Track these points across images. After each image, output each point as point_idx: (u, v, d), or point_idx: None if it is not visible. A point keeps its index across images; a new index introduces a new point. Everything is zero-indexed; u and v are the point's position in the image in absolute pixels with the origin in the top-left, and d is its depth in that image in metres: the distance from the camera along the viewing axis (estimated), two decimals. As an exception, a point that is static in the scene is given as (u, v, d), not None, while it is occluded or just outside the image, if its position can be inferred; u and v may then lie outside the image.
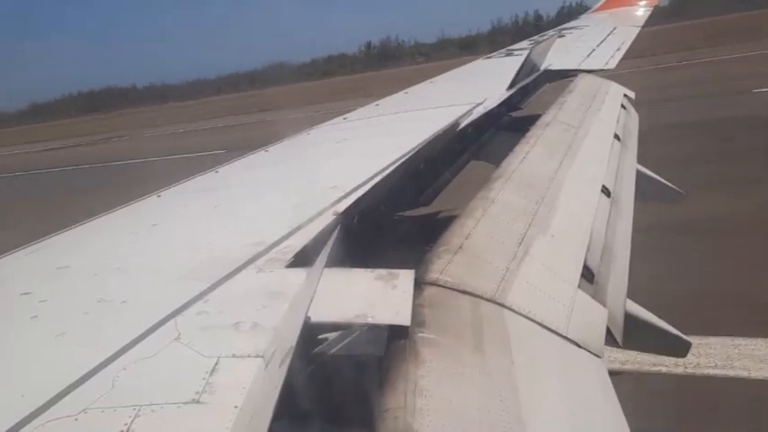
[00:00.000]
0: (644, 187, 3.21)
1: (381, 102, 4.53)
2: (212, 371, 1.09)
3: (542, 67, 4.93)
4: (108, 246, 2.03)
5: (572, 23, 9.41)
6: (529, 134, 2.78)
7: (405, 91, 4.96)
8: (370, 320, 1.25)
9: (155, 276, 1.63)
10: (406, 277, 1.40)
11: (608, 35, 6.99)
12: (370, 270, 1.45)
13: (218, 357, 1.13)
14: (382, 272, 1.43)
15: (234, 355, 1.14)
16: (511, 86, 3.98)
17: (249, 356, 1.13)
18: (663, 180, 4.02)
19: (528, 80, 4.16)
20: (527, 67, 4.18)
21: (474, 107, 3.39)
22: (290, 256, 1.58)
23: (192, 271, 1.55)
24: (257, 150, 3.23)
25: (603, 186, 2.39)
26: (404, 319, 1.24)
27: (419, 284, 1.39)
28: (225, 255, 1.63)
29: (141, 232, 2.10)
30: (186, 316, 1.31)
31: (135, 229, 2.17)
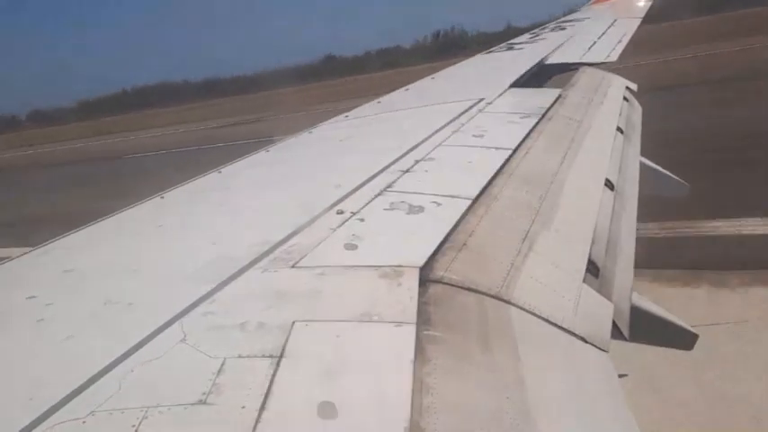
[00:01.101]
0: (649, 180, 3.20)
1: (383, 99, 4.52)
2: (219, 372, 1.09)
3: (543, 61, 4.92)
4: (113, 248, 2.04)
5: (572, 16, 9.37)
6: (531, 129, 2.77)
7: (406, 88, 4.95)
8: (375, 319, 1.25)
9: (160, 278, 1.63)
10: (411, 275, 1.40)
11: (608, 27, 6.96)
12: (374, 267, 1.45)
13: (225, 358, 1.13)
14: (387, 269, 1.43)
15: (240, 356, 1.14)
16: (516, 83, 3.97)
17: (255, 357, 1.13)
18: (668, 173, 4.00)
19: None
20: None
21: (476, 102, 3.39)
22: (294, 255, 1.58)
23: (198, 272, 1.56)
24: (259, 150, 3.23)
25: (607, 180, 2.39)
26: (409, 317, 1.24)
27: (424, 282, 1.39)
28: (230, 255, 1.63)
29: (146, 234, 2.11)
30: (192, 317, 1.31)
31: (140, 230, 2.18)
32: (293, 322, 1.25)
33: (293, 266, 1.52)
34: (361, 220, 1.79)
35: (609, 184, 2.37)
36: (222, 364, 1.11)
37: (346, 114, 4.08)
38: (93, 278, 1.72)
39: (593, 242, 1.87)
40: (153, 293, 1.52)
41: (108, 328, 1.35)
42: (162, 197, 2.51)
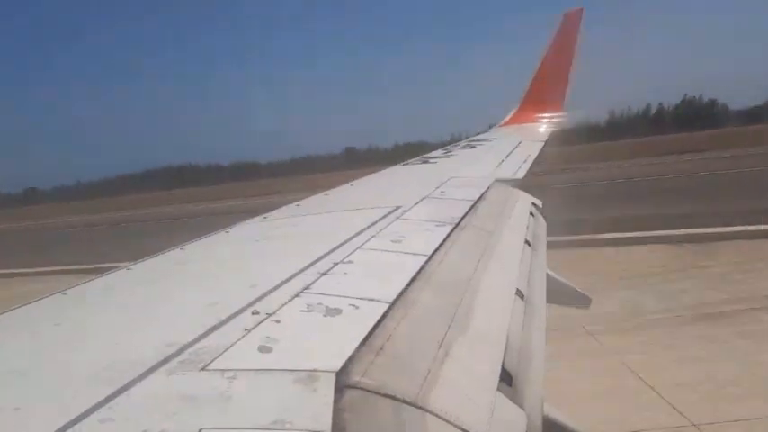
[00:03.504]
0: (554, 291, 3.35)
1: (302, 202, 4.57)
2: None
3: (452, 176, 5.19)
4: (3, 347, 1.87)
5: (482, 135, 10.05)
6: (446, 236, 2.87)
7: (325, 193, 5.05)
8: (287, 426, 1.20)
9: (55, 381, 1.50)
10: (326, 380, 1.36)
11: (515, 148, 7.52)
12: (289, 371, 1.41)
13: None
14: (302, 374, 1.39)
15: None
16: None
17: None
18: (572, 285, 4.21)
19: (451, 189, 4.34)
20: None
21: (394, 210, 3.49)
22: (204, 357, 1.51)
23: (97, 374, 1.45)
24: (173, 248, 3.14)
25: (518, 289, 2.48)
26: (324, 424, 1.20)
27: (340, 387, 1.36)
28: (134, 356, 1.54)
29: (42, 333, 1.95)
30: (87, 423, 1.20)
31: (35, 329, 2.01)
32: (200, 430, 1.17)
33: (202, 369, 1.45)
34: (277, 321, 1.75)
35: (519, 294, 2.45)
36: None
37: (264, 216, 4.08)
38: None
39: (506, 350, 1.90)
40: (45, 397, 1.39)
41: None
42: (64, 293, 2.36)
